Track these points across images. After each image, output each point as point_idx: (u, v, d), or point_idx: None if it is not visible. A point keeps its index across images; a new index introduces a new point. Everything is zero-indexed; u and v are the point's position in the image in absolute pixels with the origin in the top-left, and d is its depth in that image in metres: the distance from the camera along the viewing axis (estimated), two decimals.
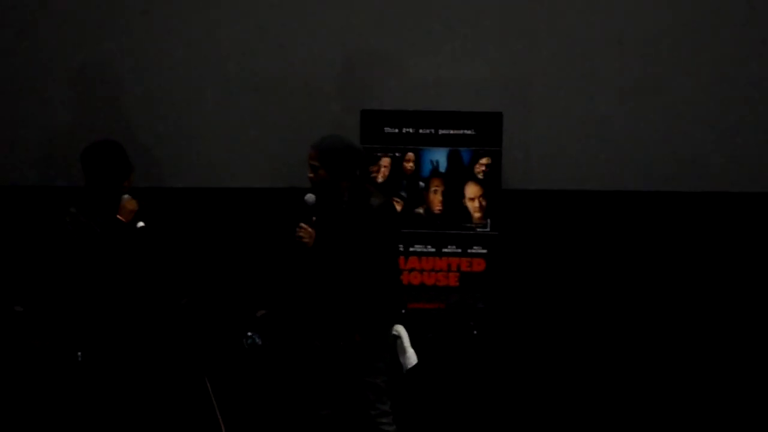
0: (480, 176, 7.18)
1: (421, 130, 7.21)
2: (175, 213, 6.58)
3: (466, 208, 7.19)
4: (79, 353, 5.98)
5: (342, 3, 7.43)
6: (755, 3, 7.36)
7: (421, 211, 7.22)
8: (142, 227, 5.98)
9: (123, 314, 5.98)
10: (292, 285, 6.26)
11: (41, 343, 6.50)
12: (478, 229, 7.17)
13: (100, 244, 5.88)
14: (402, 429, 5.96)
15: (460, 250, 7.18)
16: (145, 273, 6.05)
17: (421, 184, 7.22)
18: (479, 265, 7.16)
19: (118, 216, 5.94)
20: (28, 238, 7.33)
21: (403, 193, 7.20)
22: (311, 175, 5.82)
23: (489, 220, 7.17)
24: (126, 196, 5.98)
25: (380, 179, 7.20)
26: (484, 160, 7.18)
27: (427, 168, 7.22)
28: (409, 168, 7.22)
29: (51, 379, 6.31)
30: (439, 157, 7.21)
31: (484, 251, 7.16)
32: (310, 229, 5.82)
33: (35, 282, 7.15)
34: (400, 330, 5.82)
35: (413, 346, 5.89)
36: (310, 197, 5.85)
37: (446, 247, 7.19)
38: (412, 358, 5.82)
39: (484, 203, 7.17)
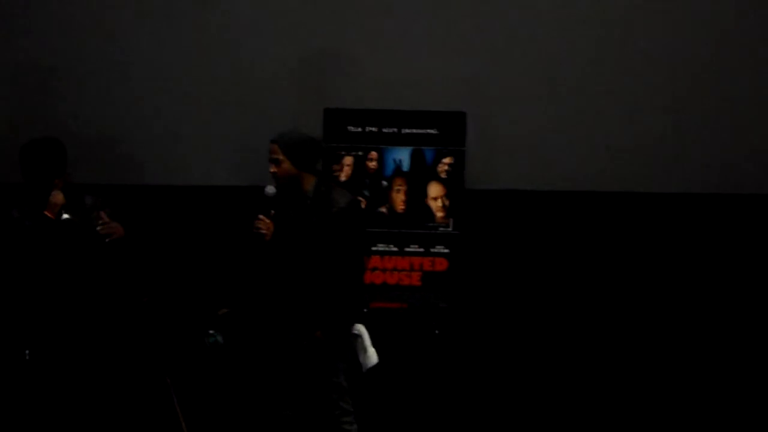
0: (443, 176, 7.18)
1: (384, 129, 7.21)
2: (136, 211, 6.53)
3: (428, 208, 7.19)
4: (27, 351, 5.94)
5: (306, 1, 7.42)
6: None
7: (383, 210, 7.21)
8: (66, 219, 5.96)
9: (70, 311, 5.95)
10: (252, 281, 6.24)
11: None
12: (441, 229, 7.17)
13: (29, 241, 5.87)
14: (364, 428, 5.95)
15: (422, 250, 7.17)
16: (94, 270, 6.03)
17: (384, 183, 7.21)
18: (441, 265, 7.16)
19: (45, 212, 5.93)
20: None
21: (366, 192, 7.20)
22: (275, 169, 5.79)
23: (452, 220, 7.18)
24: (54, 192, 5.97)
25: (343, 178, 7.19)
26: (447, 160, 7.18)
27: (390, 167, 7.22)
28: (372, 167, 7.22)
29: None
30: (402, 156, 7.21)
31: (447, 251, 7.16)
32: (268, 221, 5.80)
33: None
34: (361, 329, 5.82)
35: (375, 345, 5.89)
36: (269, 189, 5.84)
37: (409, 247, 7.18)
38: (372, 357, 5.81)
39: (446, 203, 7.17)
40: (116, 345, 6.19)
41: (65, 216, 5.96)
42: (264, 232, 5.80)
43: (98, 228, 5.98)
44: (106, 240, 5.99)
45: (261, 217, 5.81)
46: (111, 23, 7.45)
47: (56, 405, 5.95)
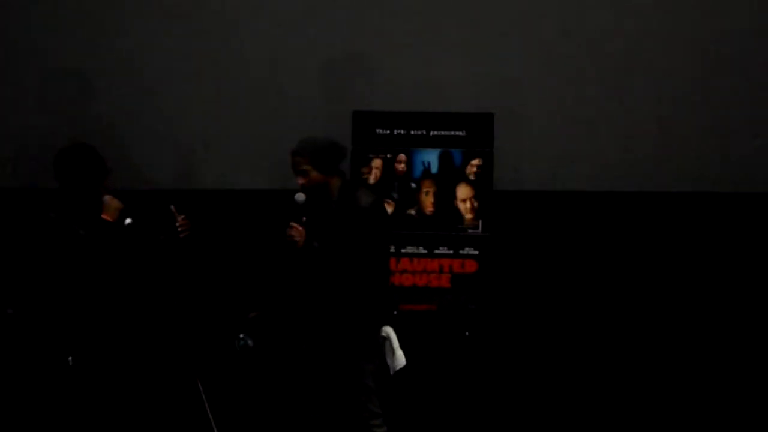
0: (471, 177, 7.18)
1: (412, 132, 7.21)
2: (167, 216, 6.56)
3: (457, 210, 7.19)
4: (70, 357, 5.96)
5: (333, 4, 7.43)
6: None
7: (412, 212, 7.22)
8: (130, 224, 5.98)
9: (116, 316, 5.97)
10: (284, 286, 6.25)
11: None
12: (470, 231, 7.17)
13: (86, 247, 5.85)
14: (394, 430, 5.96)
15: (451, 252, 7.18)
16: (142, 272, 6.06)
17: (413, 185, 7.22)
18: (471, 267, 7.16)
19: (104, 216, 5.93)
20: (8, 245, 7.25)
21: (394, 195, 7.21)
22: (303, 180, 5.80)
23: (480, 222, 7.17)
24: (108, 196, 5.98)
25: (372, 181, 7.21)
26: (475, 162, 7.18)
27: (418, 169, 7.22)
28: (400, 169, 7.22)
29: (40, 384, 6.26)
30: (431, 158, 7.21)
31: (476, 252, 7.16)
32: (300, 228, 5.81)
33: (20, 288, 7.10)
34: (389, 331, 5.82)
35: (405, 347, 5.89)
36: (299, 196, 5.85)
37: (438, 249, 7.19)
38: (400, 359, 5.81)
39: (475, 204, 7.17)
40: (147, 347, 6.21)
41: (128, 220, 5.97)
42: (297, 239, 5.81)
43: (177, 225, 6.02)
44: (180, 236, 6.03)
45: (293, 224, 5.83)
46: (139, 27, 7.47)
47: (92, 407, 5.98)
